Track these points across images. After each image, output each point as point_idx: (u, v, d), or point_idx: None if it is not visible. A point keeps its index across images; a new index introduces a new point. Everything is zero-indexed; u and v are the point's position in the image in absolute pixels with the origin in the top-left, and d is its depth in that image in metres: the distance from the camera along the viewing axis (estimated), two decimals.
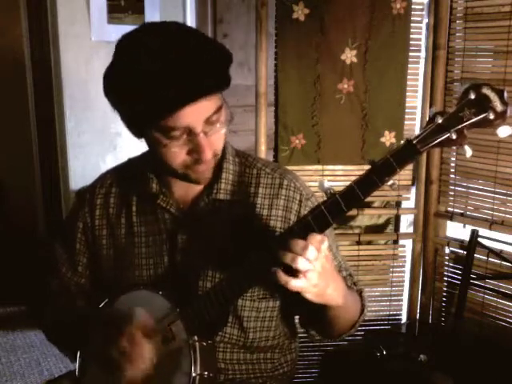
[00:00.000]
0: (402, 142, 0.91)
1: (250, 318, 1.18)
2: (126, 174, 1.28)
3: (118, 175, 1.28)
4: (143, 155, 1.24)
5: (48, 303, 1.32)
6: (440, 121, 0.89)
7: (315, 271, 0.95)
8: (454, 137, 0.89)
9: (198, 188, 1.18)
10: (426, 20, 2.11)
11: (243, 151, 1.27)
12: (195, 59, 1.00)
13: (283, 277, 0.95)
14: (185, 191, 1.18)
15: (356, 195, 0.93)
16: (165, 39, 1.01)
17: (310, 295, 0.98)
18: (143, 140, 1.13)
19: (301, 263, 0.93)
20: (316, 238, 0.94)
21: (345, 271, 1.23)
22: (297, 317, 1.32)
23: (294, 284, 0.95)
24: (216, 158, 1.12)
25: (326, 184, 0.96)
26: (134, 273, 1.20)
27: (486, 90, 0.88)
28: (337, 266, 1.22)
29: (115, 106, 1.07)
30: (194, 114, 1.01)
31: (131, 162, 1.29)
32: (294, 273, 0.95)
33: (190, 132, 1.03)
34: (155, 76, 0.98)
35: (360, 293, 1.22)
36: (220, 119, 1.06)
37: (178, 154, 1.06)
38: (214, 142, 1.07)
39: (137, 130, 1.10)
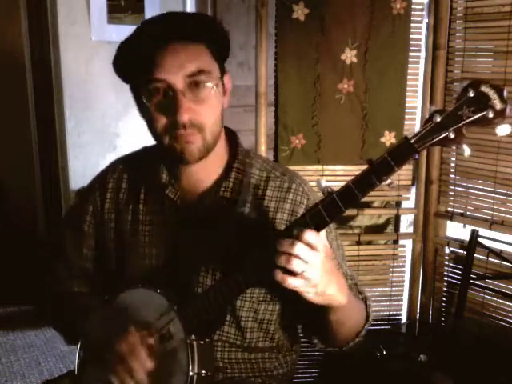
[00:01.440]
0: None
1: (247, 318, 1.18)
2: (138, 161, 1.29)
3: (130, 162, 1.30)
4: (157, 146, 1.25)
5: (51, 287, 1.32)
6: (438, 119, 0.88)
7: (314, 269, 0.94)
8: (453, 136, 0.88)
9: (207, 184, 1.19)
10: (426, 20, 2.11)
11: (255, 153, 1.28)
12: (185, 15, 1.12)
13: (280, 274, 0.93)
14: (193, 185, 1.19)
15: (353, 194, 0.92)
16: (169, 13, 1.10)
17: (310, 295, 0.97)
18: (144, 130, 1.15)
19: (295, 264, 0.92)
20: (306, 234, 0.92)
21: (350, 280, 1.22)
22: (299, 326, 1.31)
23: (290, 282, 0.93)
24: (198, 129, 1.09)
25: (324, 183, 0.96)
26: (136, 260, 1.21)
27: (485, 88, 0.87)
28: (343, 275, 1.19)
29: (119, 73, 1.15)
30: (174, 66, 1.05)
31: (146, 151, 1.30)
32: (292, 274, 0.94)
33: (170, 88, 1.06)
34: (144, 29, 1.08)
35: (365, 301, 1.21)
36: (207, 84, 1.08)
37: (158, 116, 1.09)
38: (195, 108, 1.07)
39: (134, 93, 1.15)
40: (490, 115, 0.87)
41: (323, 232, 0.97)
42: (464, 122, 0.88)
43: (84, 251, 1.29)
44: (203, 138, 1.11)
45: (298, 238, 0.92)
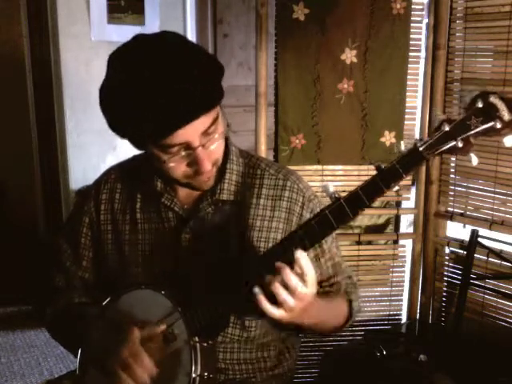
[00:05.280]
0: (403, 144, 0.92)
1: (256, 324, 1.19)
2: (130, 170, 1.28)
3: (122, 171, 1.29)
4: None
5: (51, 300, 1.32)
6: (447, 128, 0.90)
7: (297, 302, 0.97)
8: (461, 145, 0.90)
9: None
10: (426, 20, 2.11)
11: (247, 151, 1.27)
12: (192, 80, 1.00)
13: (265, 305, 0.98)
14: (189, 191, 1.19)
15: (361, 200, 0.94)
16: (161, 60, 1.00)
17: (281, 317, 1.00)
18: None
19: (284, 297, 0.96)
20: (304, 266, 0.96)
21: (340, 275, 1.25)
22: None
23: (272, 312, 0.98)
24: (216, 165, 1.13)
25: (331, 188, 0.96)
26: (137, 269, 1.21)
27: (493, 99, 0.89)
28: (334, 266, 1.24)
29: (110, 125, 1.09)
30: (191, 130, 1.02)
31: (136, 159, 1.29)
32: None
33: (188, 146, 1.04)
34: (153, 99, 0.98)
35: (350, 302, 1.24)
36: (217, 130, 1.07)
37: (178, 168, 1.08)
38: (213, 152, 1.08)
39: (135, 145, 1.12)
40: (498, 126, 0.89)
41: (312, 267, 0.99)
42: (472, 132, 0.89)
43: (83, 263, 1.29)
44: (216, 167, 1.14)
45: (301, 275, 0.96)
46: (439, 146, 0.90)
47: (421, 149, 0.90)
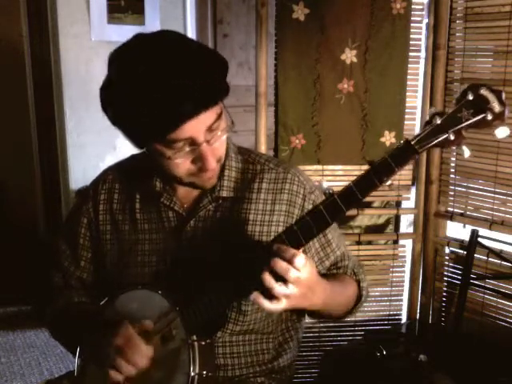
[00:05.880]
0: (401, 142, 0.92)
1: (252, 311, 1.18)
2: (128, 170, 1.28)
3: (120, 171, 1.29)
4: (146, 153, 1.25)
5: (50, 300, 1.32)
6: (438, 121, 0.90)
7: (292, 290, 0.97)
8: (452, 137, 0.90)
9: None
10: (426, 20, 2.11)
11: (246, 148, 1.28)
12: (197, 73, 1.01)
13: (264, 302, 0.97)
14: (188, 190, 1.19)
15: (354, 195, 0.94)
16: (165, 54, 1.01)
17: (282, 305, 1.00)
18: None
19: (278, 290, 0.95)
20: (296, 259, 0.95)
21: (347, 260, 1.26)
22: None
23: (268, 306, 0.97)
24: (220, 163, 1.13)
25: (325, 184, 0.97)
26: (136, 269, 1.20)
27: (484, 91, 0.89)
28: (339, 256, 1.25)
29: (114, 122, 1.08)
30: (197, 125, 1.02)
31: (134, 159, 1.29)
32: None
33: (193, 142, 1.04)
34: (158, 93, 0.98)
35: (359, 282, 1.25)
36: (220, 126, 1.07)
37: (182, 165, 1.08)
38: (217, 148, 1.09)
39: (138, 143, 1.11)
40: (489, 118, 0.89)
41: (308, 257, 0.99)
42: (463, 125, 0.90)
43: (82, 264, 1.29)
44: (220, 164, 1.14)
45: (289, 261, 0.95)
46: (431, 139, 0.90)
47: (412, 142, 0.90)
